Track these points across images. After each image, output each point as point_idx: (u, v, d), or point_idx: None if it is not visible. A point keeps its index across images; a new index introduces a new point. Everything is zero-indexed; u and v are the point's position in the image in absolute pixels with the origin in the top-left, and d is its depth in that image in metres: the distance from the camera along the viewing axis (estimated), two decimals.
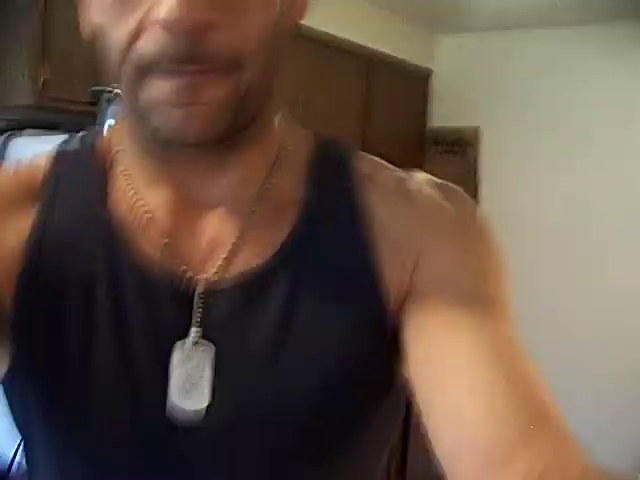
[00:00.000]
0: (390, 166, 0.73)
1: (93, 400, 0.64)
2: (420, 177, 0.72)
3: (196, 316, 0.64)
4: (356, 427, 0.67)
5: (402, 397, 0.70)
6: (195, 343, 0.64)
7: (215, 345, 0.64)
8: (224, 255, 0.66)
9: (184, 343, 0.64)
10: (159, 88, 0.58)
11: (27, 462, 0.75)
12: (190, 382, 0.64)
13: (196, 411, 0.64)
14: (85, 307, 0.65)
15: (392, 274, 0.66)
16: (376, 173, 0.71)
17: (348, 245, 0.67)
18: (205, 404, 0.64)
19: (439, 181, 0.72)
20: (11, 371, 0.66)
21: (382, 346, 0.66)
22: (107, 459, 0.66)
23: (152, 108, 0.59)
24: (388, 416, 0.72)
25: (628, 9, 3.77)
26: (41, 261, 0.65)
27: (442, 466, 0.58)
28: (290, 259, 0.66)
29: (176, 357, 0.64)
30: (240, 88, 0.60)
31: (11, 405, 0.71)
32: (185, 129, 0.59)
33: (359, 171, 0.70)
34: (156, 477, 0.66)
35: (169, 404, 0.64)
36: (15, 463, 2.23)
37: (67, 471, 0.69)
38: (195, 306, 0.65)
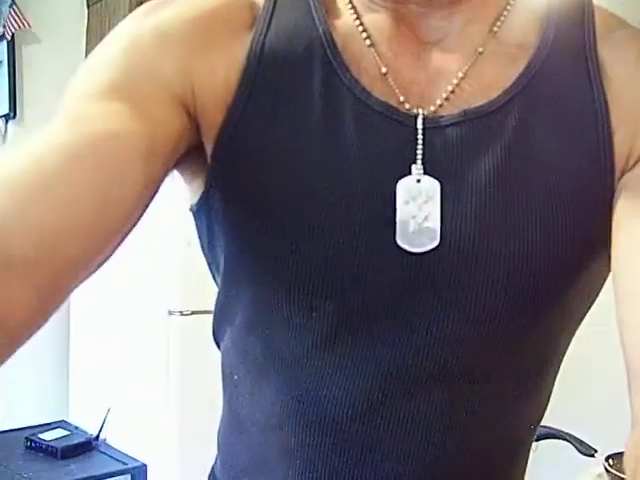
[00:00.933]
0: (631, 25, 0.70)
1: (303, 221, 0.63)
2: None
3: (418, 151, 0.62)
4: (564, 274, 0.65)
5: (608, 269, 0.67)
6: (418, 180, 0.62)
7: (438, 181, 0.62)
8: (447, 91, 0.64)
9: (407, 180, 0.62)
10: None
11: (220, 308, 0.73)
12: (417, 222, 0.62)
13: (425, 252, 0.62)
14: (299, 117, 0.63)
15: (622, 139, 0.64)
16: (617, 29, 0.68)
17: (580, 100, 0.64)
18: (435, 244, 0.62)
19: None
20: (208, 200, 0.66)
21: (603, 205, 0.63)
22: (314, 291, 0.64)
23: None
24: (592, 280, 0.69)
25: None
26: (259, 73, 0.64)
27: (626, 355, 0.56)
28: (517, 101, 0.64)
29: (400, 195, 0.62)
30: None
31: (206, 236, 0.70)
32: None
33: (598, 25, 0.67)
34: (371, 309, 0.64)
35: (397, 244, 0.62)
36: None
37: (266, 306, 0.67)
38: (417, 140, 0.63)
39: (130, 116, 0.58)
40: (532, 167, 0.63)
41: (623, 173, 0.64)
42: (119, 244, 0.56)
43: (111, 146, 0.55)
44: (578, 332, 0.72)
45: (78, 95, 0.61)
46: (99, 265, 0.54)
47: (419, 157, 0.62)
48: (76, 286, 0.52)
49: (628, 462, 0.51)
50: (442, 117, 0.64)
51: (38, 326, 0.48)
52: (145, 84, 0.61)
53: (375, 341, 0.64)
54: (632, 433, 0.52)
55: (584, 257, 0.65)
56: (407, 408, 0.65)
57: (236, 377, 0.73)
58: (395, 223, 0.62)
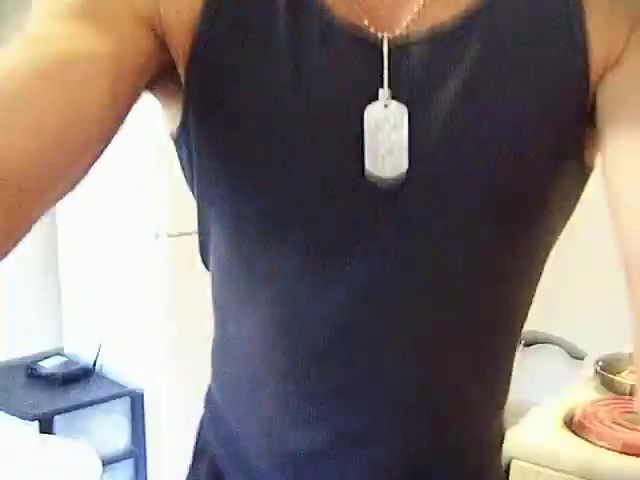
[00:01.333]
0: None
1: (272, 147, 0.63)
2: None
3: (385, 75, 0.61)
4: (539, 190, 0.64)
5: (584, 180, 0.68)
6: (385, 105, 0.61)
7: (406, 105, 0.61)
8: (413, 12, 0.62)
9: (374, 105, 0.61)
10: None
11: (202, 231, 0.74)
12: (385, 147, 0.61)
13: (394, 177, 0.61)
14: (265, 38, 0.62)
15: (598, 40, 0.61)
16: None
17: (551, 4, 0.62)
18: (404, 169, 0.61)
19: None
20: (185, 127, 0.66)
21: (577, 116, 0.63)
22: (285, 217, 0.65)
23: None
24: (568, 194, 0.68)
25: None
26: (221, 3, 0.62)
27: (625, 260, 0.56)
28: (484, 12, 0.62)
29: (367, 121, 0.61)
30: None
31: (186, 161, 0.70)
32: None
33: None
34: (342, 234, 0.64)
35: (365, 172, 0.61)
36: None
37: (242, 233, 0.67)
38: (383, 64, 0.61)
39: (96, 36, 0.56)
40: (502, 78, 0.62)
41: (601, 76, 0.62)
42: (89, 165, 0.55)
43: (76, 64, 0.54)
44: (561, 239, 0.72)
45: (43, 15, 0.59)
46: (69, 188, 0.54)
47: (385, 81, 0.61)
48: (45, 210, 0.51)
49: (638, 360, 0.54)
50: (408, 38, 0.62)
51: (6, 249, 0.48)
52: (112, 5, 0.60)
53: (347, 266, 0.64)
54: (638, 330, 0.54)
55: (558, 166, 0.64)
56: (381, 332, 0.66)
57: (224, 300, 0.74)
58: (363, 148, 0.61)
